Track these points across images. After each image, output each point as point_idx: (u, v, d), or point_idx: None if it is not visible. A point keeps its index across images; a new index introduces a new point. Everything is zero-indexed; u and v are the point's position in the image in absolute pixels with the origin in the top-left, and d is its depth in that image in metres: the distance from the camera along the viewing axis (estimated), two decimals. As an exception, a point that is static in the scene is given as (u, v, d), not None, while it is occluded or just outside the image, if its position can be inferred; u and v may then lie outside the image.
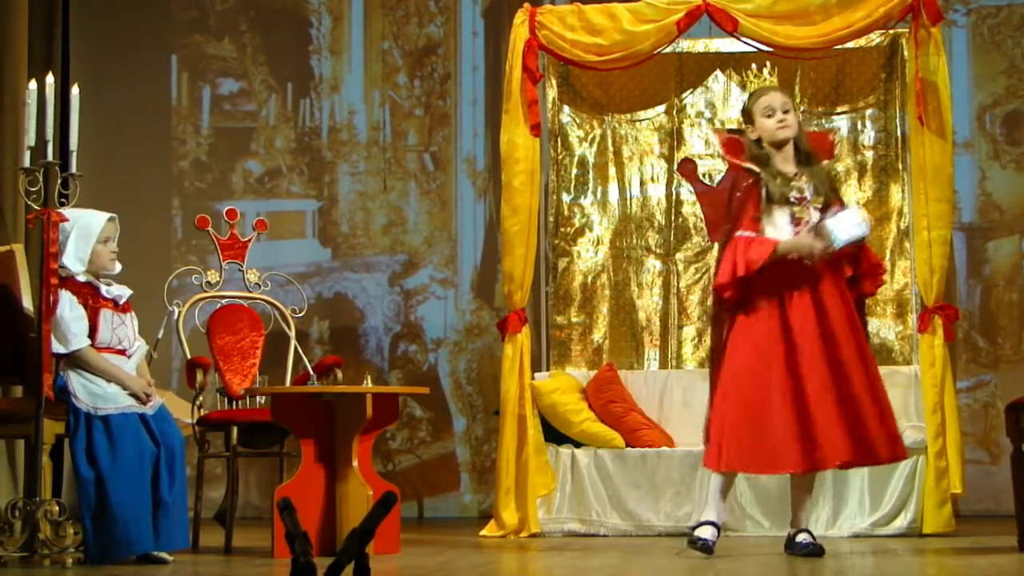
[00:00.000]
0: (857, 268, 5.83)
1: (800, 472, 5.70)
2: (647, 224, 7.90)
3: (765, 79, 6.07)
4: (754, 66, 6.18)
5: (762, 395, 5.65)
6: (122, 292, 5.92)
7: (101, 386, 5.72)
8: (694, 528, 5.76)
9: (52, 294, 5.55)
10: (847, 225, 5.72)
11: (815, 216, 5.78)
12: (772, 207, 5.79)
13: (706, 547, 5.63)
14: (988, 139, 8.56)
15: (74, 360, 5.73)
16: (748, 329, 5.72)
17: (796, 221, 5.76)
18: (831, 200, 5.85)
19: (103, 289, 5.85)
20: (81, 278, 5.78)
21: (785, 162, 5.87)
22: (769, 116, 5.87)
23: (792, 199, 5.79)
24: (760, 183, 5.83)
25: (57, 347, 5.65)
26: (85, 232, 5.78)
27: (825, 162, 6.31)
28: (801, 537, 5.74)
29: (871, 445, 5.65)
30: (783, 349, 5.67)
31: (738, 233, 5.77)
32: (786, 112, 5.86)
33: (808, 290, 5.73)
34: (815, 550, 5.67)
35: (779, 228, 5.77)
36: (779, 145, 5.87)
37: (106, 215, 5.88)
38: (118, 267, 5.93)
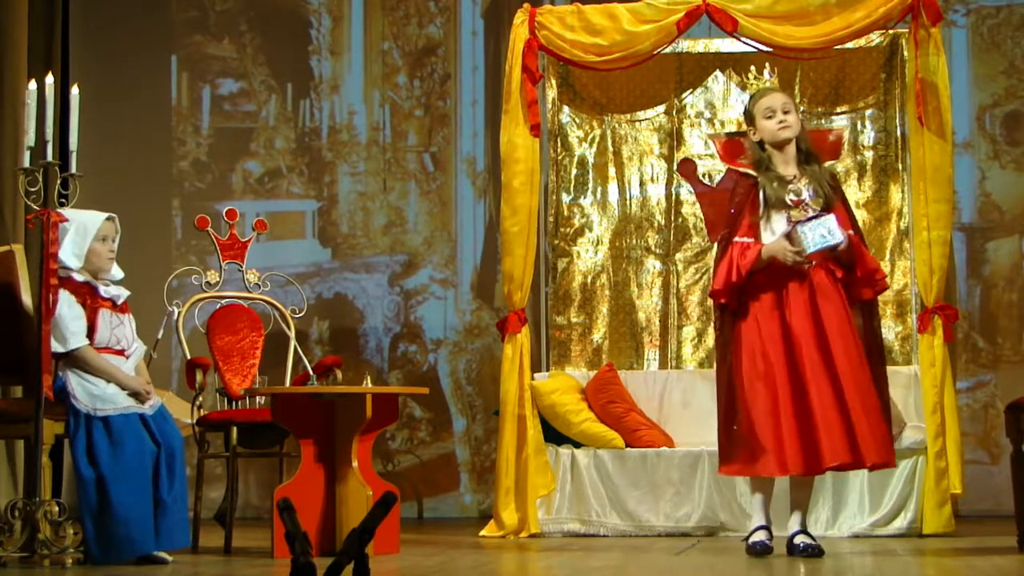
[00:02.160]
0: (849, 274, 5.82)
1: (802, 474, 5.71)
2: (647, 224, 7.89)
3: (765, 81, 6.08)
4: (753, 68, 6.18)
5: (767, 399, 5.67)
6: (120, 292, 5.93)
7: (100, 387, 5.72)
8: (747, 538, 5.82)
9: (52, 294, 5.55)
10: (819, 232, 5.69)
11: None
12: (770, 211, 5.81)
13: (761, 547, 5.70)
14: (988, 139, 8.55)
15: (72, 359, 5.72)
16: (749, 335, 5.75)
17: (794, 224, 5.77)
18: (832, 201, 5.84)
19: (101, 289, 5.85)
20: (79, 277, 5.79)
21: (786, 164, 5.88)
22: (769, 117, 5.88)
23: (789, 202, 5.80)
24: (758, 187, 5.86)
25: (55, 346, 5.65)
26: (82, 229, 5.80)
27: (828, 163, 6.29)
28: (799, 539, 5.75)
29: (861, 449, 5.64)
30: (784, 351, 5.70)
31: (735, 239, 5.81)
32: (787, 113, 5.88)
33: (805, 293, 5.74)
34: (815, 551, 5.67)
35: (776, 232, 5.78)
36: (780, 146, 5.89)
37: (105, 215, 5.91)
38: (118, 271, 5.94)
